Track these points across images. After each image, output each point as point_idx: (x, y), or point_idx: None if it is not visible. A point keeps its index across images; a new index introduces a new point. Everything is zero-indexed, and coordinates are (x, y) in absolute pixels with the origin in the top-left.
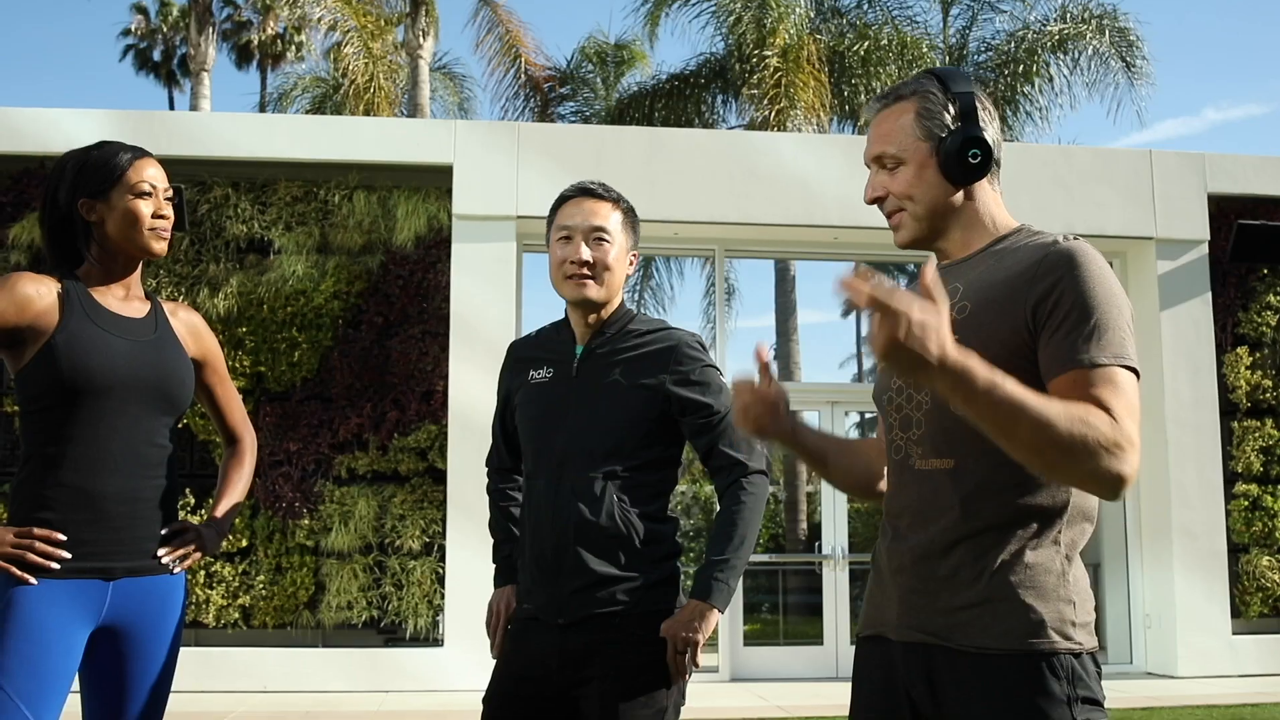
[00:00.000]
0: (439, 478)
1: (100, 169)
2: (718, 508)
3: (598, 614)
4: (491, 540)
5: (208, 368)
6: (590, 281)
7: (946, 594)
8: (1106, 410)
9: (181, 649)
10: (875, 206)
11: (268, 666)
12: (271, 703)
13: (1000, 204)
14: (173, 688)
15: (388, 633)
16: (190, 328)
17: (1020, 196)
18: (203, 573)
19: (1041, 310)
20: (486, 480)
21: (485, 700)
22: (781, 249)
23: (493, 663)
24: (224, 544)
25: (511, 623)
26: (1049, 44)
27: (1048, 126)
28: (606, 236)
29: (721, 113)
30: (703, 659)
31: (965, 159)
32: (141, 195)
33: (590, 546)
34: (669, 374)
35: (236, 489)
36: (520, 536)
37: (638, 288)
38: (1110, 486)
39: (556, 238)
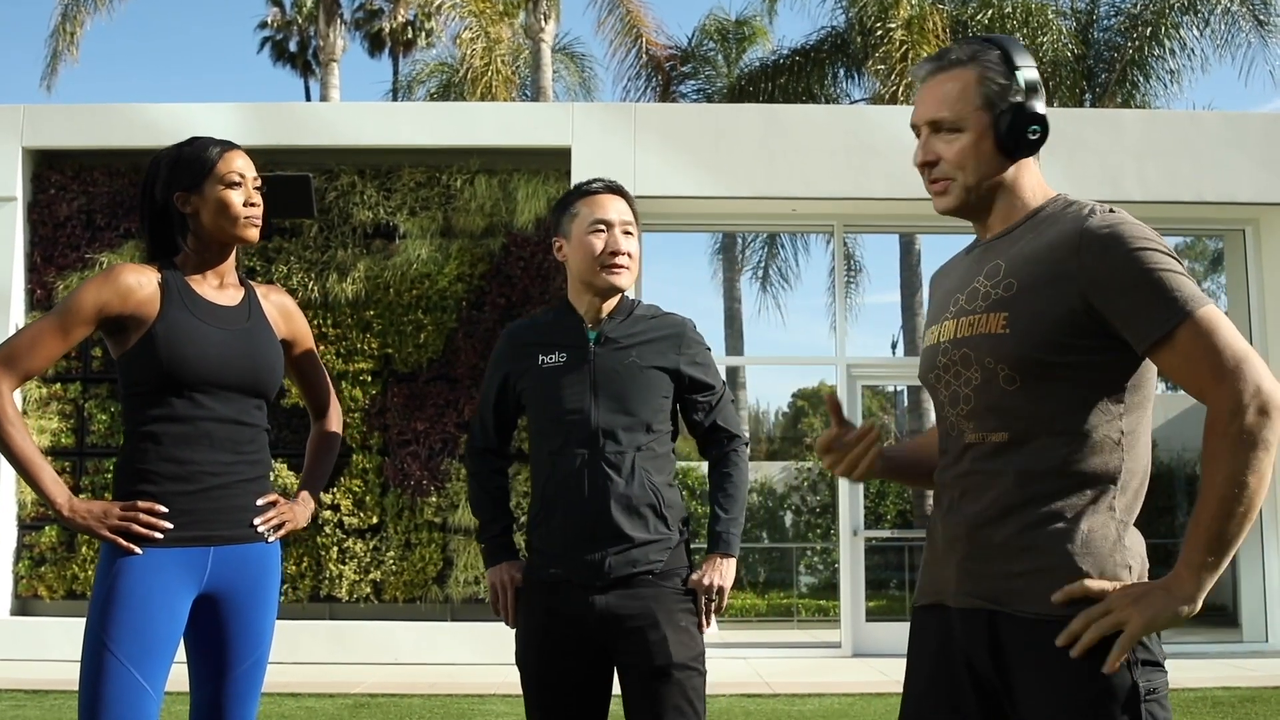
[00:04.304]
0: None
1: (192, 163)
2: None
3: (635, 574)
4: (476, 520)
5: (297, 347)
6: (626, 270)
7: (1002, 561)
8: (1216, 384)
9: (315, 622)
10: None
11: (398, 639)
12: (401, 674)
13: (1039, 176)
14: (303, 659)
15: None
16: (281, 309)
17: (1148, 164)
18: (335, 549)
19: (1103, 296)
20: (467, 462)
21: (522, 663)
22: (902, 223)
23: None
24: (355, 521)
25: (524, 589)
26: (1179, 4)
27: (1179, 91)
28: (633, 231)
29: (845, 86)
30: (825, 634)
31: (1025, 134)
32: (231, 185)
33: (626, 514)
34: (681, 356)
35: (321, 464)
36: (543, 508)
37: (761, 264)
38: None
39: (588, 230)
